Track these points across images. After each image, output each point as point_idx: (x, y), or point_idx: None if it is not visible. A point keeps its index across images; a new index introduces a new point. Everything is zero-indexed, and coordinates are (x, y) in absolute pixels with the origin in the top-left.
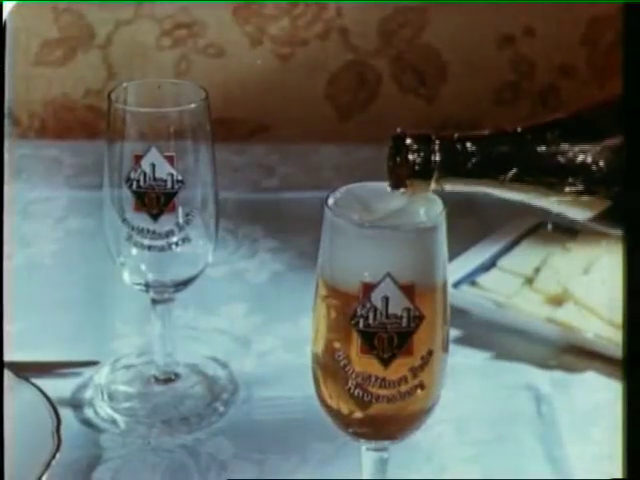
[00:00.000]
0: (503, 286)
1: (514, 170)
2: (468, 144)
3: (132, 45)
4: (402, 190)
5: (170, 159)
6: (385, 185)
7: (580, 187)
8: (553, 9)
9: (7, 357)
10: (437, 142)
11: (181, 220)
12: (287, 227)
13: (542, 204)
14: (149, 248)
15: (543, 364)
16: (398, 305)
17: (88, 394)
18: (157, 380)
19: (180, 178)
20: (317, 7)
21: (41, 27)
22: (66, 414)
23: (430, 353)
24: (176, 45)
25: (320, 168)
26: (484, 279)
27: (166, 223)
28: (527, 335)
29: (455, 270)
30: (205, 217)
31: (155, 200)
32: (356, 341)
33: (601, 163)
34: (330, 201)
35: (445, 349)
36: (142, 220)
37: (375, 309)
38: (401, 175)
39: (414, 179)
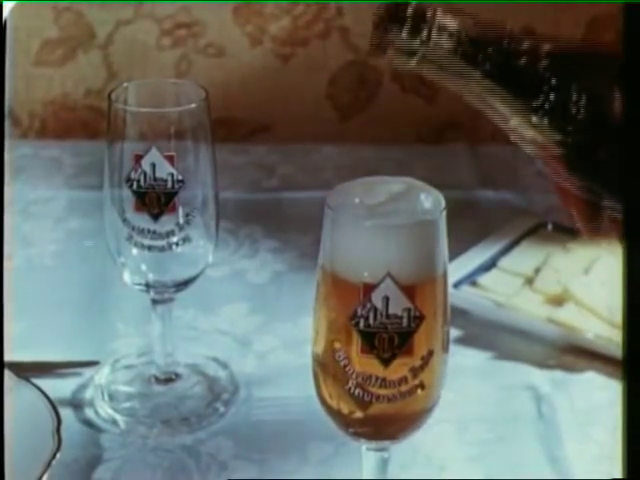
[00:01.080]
0: (503, 286)
1: (491, 69)
2: (463, 34)
3: (132, 45)
4: (385, 54)
5: (170, 159)
6: (384, 178)
7: (548, 119)
8: (553, 9)
9: (7, 357)
10: (428, 26)
11: (181, 220)
12: (288, 227)
13: (502, 118)
14: (149, 248)
15: (543, 364)
16: (398, 305)
17: (88, 394)
18: (157, 380)
19: (180, 178)
20: (317, 7)
21: (41, 27)
22: (66, 414)
23: (430, 353)
24: (176, 45)
25: (320, 168)
26: (484, 279)
27: (166, 223)
28: (527, 335)
29: (455, 270)
30: (205, 217)
31: (155, 200)
32: (356, 341)
33: (579, 105)
34: (330, 198)
35: (445, 349)
36: (142, 220)
37: (375, 309)
38: (385, 45)
39: (397, 53)
